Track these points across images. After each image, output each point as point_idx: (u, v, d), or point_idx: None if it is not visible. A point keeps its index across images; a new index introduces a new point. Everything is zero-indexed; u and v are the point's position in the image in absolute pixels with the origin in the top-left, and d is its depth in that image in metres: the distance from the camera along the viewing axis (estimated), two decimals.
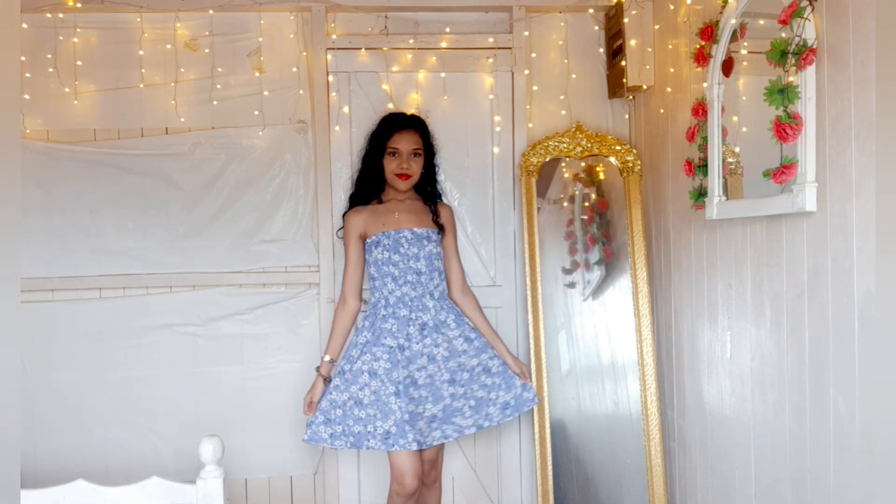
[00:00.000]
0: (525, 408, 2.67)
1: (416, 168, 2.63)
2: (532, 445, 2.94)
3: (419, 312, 2.57)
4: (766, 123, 1.75)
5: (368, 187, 2.68)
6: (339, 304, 2.66)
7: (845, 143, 1.55)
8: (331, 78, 3.03)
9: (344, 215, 2.70)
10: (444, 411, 2.53)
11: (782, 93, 1.68)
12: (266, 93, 3.04)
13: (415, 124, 2.67)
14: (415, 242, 2.59)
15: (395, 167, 2.61)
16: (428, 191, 2.73)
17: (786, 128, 1.67)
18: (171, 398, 3.03)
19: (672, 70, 2.61)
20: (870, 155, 1.47)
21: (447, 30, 3.05)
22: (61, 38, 2.97)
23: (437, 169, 2.77)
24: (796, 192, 1.69)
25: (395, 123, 2.64)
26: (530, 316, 2.87)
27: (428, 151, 2.69)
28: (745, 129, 2.08)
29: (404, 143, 2.61)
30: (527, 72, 3.07)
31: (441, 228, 2.68)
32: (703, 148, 2.20)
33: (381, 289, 2.60)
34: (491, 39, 3.04)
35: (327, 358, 2.60)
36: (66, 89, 2.98)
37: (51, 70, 2.97)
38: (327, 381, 2.57)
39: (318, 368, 2.59)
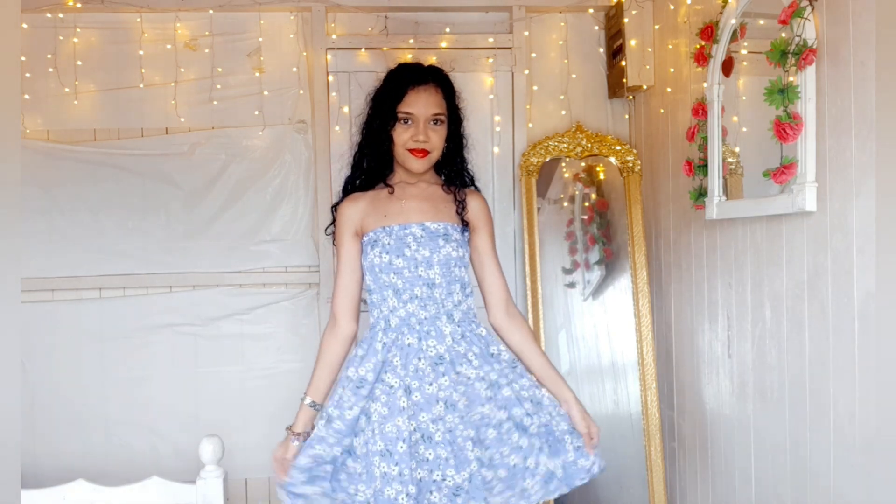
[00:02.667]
0: (578, 480, 1.92)
1: (436, 140, 1.90)
2: None
3: (431, 340, 1.86)
4: (766, 123, 1.75)
5: (374, 168, 1.96)
6: (328, 327, 1.92)
7: (845, 143, 1.55)
8: (331, 78, 3.03)
9: (335, 206, 1.99)
10: (472, 482, 1.82)
11: (782, 93, 1.68)
12: (266, 93, 3.04)
13: (436, 79, 1.93)
14: (426, 242, 1.88)
15: (407, 139, 1.87)
16: (455, 171, 2.01)
17: (786, 128, 1.67)
18: (171, 398, 3.03)
19: (672, 70, 2.61)
20: (870, 155, 1.47)
21: (447, 30, 3.05)
22: (61, 38, 2.97)
23: (464, 142, 2.03)
24: (796, 192, 1.69)
25: (408, 78, 1.91)
26: (530, 316, 2.87)
27: (453, 118, 1.96)
28: (745, 129, 2.08)
29: (421, 104, 1.88)
30: (527, 72, 3.07)
31: (467, 225, 1.97)
32: (703, 148, 2.20)
33: (381, 305, 1.89)
34: (491, 39, 3.04)
35: (308, 400, 1.88)
36: (66, 89, 2.98)
37: (51, 70, 2.97)
38: (301, 435, 1.86)
39: (289, 428, 1.88)
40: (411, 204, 1.92)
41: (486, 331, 1.96)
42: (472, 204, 1.99)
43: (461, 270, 1.93)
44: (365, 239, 1.91)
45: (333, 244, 1.98)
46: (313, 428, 1.86)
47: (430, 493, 1.80)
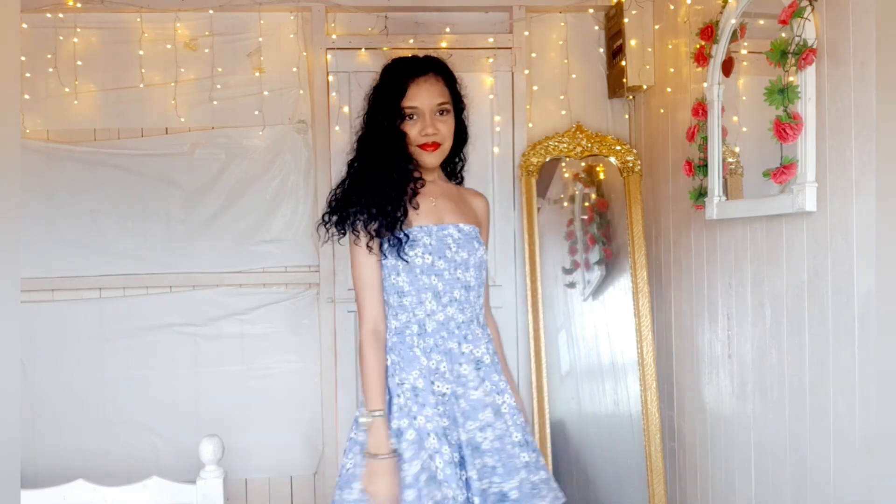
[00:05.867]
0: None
1: (445, 131, 1.86)
2: None
3: (469, 345, 1.83)
4: (766, 123, 1.75)
5: (388, 171, 1.82)
6: (373, 338, 1.79)
7: (845, 143, 1.55)
8: (331, 78, 3.03)
9: (330, 213, 1.88)
10: (521, 490, 1.77)
11: (782, 93, 1.68)
12: (266, 93, 3.04)
13: (434, 68, 1.89)
14: (463, 244, 1.84)
15: (415, 135, 1.83)
16: (450, 166, 1.99)
17: (786, 128, 1.67)
18: (171, 398, 3.03)
19: (672, 70, 2.61)
20: (870, 155, 1.47)
21: (447, 30, 3.05)
22: (61, 38, 2.97)
23: (467, 133, 2.00)
24: (796, 192, 1.69)
25: (406, 71, 1.87)
26: (530, 316, 2.87)
27: (456, 106, 1.93)
28: (745, 129, 2.08)
29: (424, 96, 1.83)
30: (527, 72, 3.07)
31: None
32: (703, 148, 2.20)
33: (415, 308, 1.80)
34: (491, 39, 3.04)
35: (379, 413, 1.72)
36: (66, 89, 2.98)
37: (51, 70, 2.97)
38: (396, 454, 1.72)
39: (373, 454, 1.69)
40: (440, 203, 1.88)
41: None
42: (481, 205, 2.00)
43: (484, 273, 1.91)
44: (400, 236, 1.79)
45: (335, 238, 1.86)
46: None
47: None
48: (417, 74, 1.85)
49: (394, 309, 1.83)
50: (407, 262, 1.78)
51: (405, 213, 1.80)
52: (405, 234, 1.78)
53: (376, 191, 1.79)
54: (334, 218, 1.84)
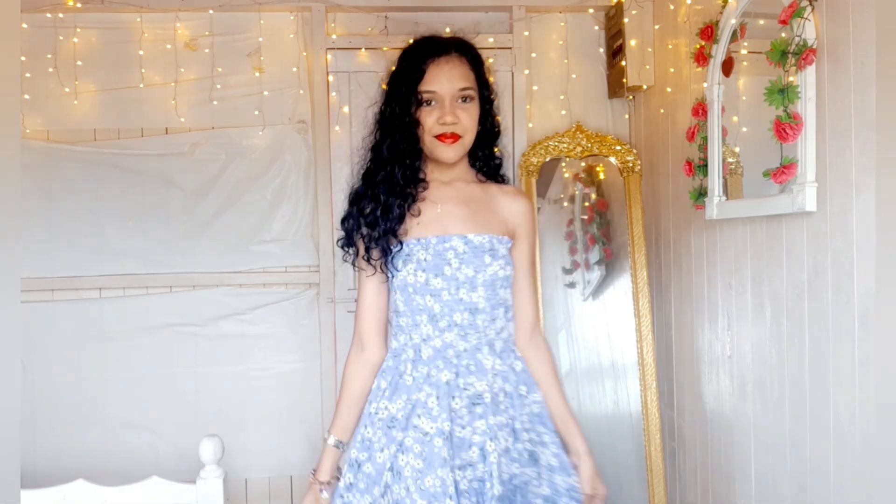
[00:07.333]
0: None
1: (467, 121, 1.58)
2: None
3: (471, 377, 1.56)
4: (766, 123, 1.75)
5: (397, 167, 1.58)
6: (353, 353, 1.65)
7: (845, 143, 1.55)
8: (331, 78, 3.03)
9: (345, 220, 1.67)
10: None
11: (782, 93, 1.68)
12: (266, 93, 3.04)
13: (459, 48, 1.61)
14: (469, 259, 1.57)
15: (432, 123, 1.56)
16: (483, 160, 1.69)
17: (786, 128, 1.67)
18: (171, 398, 3.03)
19: (672, 70, 2.61)
20: (870, 155, 1.47)
21: (447, 30, 3.04)
22: (61, 38, 2.97)
23: (498, 125, 1.69)
24: (796, 192, 1.69)
25: (426, 51, 1.59)
26: None
27: (483, 94, 1.63)
28: (745, 129, 2.08)
29: (444, 79, 1.56)
30: (527, 72, 3.07)
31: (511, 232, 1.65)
32: (703, 148, 2.20)
33: (411, 331, 1.59)
34: (491, 39, 3.04)
35: (333, 440, 1.62)
36: (66, 89, 2.98)
37: (51, 70, 2.97)
38: (330, 483, 1.61)
39: (314, 475, 1.62)
40: (448, 209, 1.60)
41: (522, 364, 1.66)
42: (517, 208, 1.67)
43: (506, 291, 1.62)
44: (395, 251, 1.57)
45: (346, 260, 1.67)
46: (339, 471, 1.62)
47: None
48: (438, 54, 1.58)
49: (393, 329, 1.64)
50: (391, 278, 1.59)
51: (399, 223, 1.57)
52: (400, 245, 1.57)
53: (373, 202, 1.59)
54: (343, 235, 1.67)
